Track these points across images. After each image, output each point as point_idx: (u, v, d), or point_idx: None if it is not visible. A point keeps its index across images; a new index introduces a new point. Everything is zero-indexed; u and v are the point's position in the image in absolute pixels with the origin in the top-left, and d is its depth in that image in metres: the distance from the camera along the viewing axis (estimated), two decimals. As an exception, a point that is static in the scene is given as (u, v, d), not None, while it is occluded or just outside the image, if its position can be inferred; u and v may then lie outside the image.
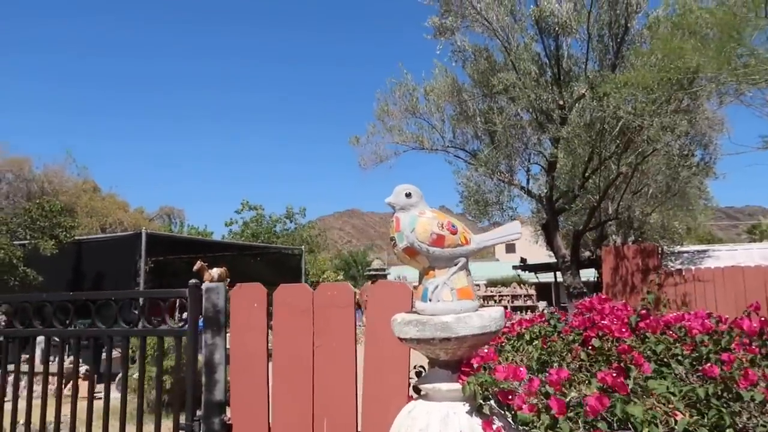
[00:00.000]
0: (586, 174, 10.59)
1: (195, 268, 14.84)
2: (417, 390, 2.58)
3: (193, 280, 2.73)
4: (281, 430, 2.55)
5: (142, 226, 24.57)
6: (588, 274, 12.71)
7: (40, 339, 10.66)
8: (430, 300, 1.99)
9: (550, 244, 10.71)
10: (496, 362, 1.89)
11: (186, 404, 2.64)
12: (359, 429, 2.47)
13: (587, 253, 11.21)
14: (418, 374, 2.65)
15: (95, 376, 3.32)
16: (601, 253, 9.58)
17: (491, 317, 1.94)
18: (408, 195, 2.10)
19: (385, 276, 26.46)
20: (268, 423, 2.58)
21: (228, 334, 2.72)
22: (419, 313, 2.00)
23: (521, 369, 1.80)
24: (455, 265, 2.02)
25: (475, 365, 1.91)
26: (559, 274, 11.02)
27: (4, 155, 20.29)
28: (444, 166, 12.43)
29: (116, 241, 13.55)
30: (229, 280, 12.72)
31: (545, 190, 10.37)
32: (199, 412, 2.61)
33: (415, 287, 2.25)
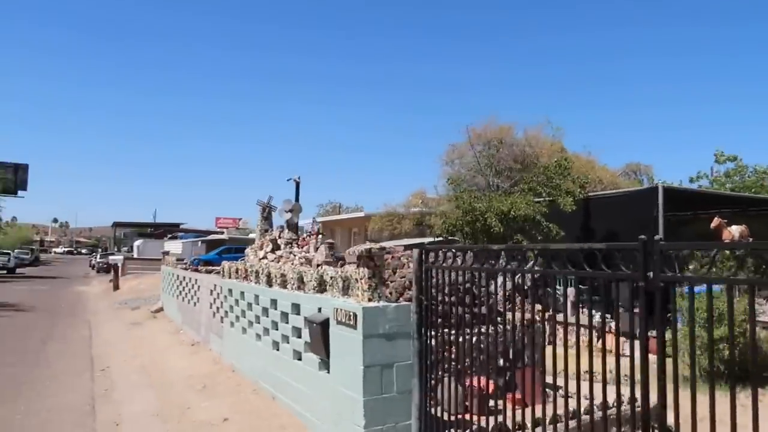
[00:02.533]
0: None
1: (713, 225, 12.86)
2: None
3: None
4: None
5: (613, 183, 24.20)
6: None
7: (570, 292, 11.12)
8: None
9: None
10: None
11: None
12: None
13: None
14: None
15: None
16: None
17: None
18: None
19: None
20: None
21: None
22: None
23: None
24: None
25: None
26: None
27: (493, 125, 22.59)
28: None
29: (629, 196, 13.27)
30: (751, 239, 10.38)
31: None
32: None
33: None
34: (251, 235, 52.33)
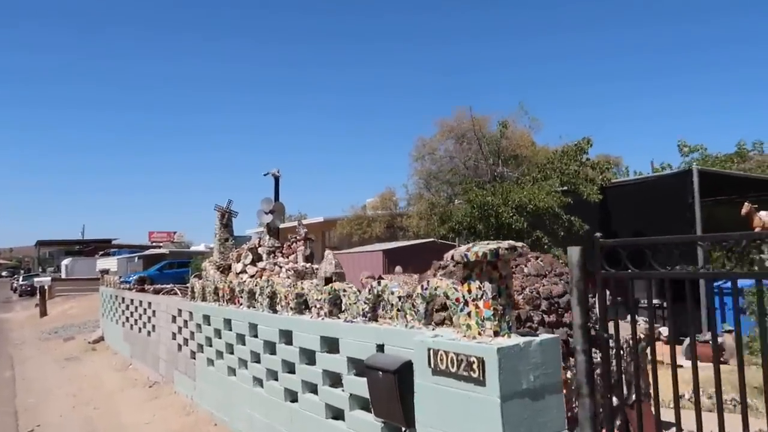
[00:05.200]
0: None
1: (743, 211, 11.31)
2: None
3: None
4: None
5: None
6: None
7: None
8: None
9: None
10: None
11: None
12: None
13: None
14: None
15: None
16: None
17: None
18: None
19: None
20: None
21: None
22: None
23: None
24: None
25: None
26: None
27: (467, 117, 20.99)
28: None
29: (656, 183, 11.77)
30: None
31: None
32: None
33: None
34: (193, 248, 48.90)
